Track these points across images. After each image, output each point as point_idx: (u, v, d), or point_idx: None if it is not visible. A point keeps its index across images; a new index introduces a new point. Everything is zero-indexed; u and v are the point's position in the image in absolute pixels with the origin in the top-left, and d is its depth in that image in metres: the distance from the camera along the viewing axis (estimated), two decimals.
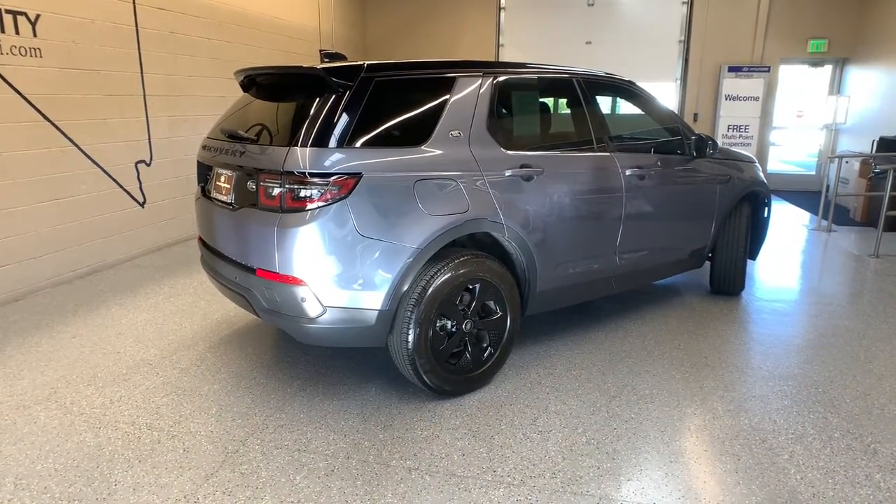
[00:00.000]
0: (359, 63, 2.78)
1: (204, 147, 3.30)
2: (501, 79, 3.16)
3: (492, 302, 3.07)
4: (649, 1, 9.54)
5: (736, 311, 4.36)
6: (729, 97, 9.12)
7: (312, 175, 2.56)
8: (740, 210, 4.34)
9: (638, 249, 3.75)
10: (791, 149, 11.11)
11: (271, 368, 3.38)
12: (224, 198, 3.01)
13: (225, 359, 3.50)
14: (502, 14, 10.06)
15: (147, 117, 5.61)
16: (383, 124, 2.76)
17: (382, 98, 2.76)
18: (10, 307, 4.31)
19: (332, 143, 2.60)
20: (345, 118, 2.64)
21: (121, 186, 5.36)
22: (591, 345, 3.71)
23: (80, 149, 4.91)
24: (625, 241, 3.63)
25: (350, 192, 2.58)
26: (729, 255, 4.38)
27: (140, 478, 2.41)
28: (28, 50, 4.43)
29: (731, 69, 9.08)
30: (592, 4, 9.63)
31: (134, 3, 5.35)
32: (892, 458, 2.57)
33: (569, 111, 3.59)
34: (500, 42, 10.15)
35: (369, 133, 2.69)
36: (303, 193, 2.58)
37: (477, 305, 3.00)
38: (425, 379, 2.88)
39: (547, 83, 3.57)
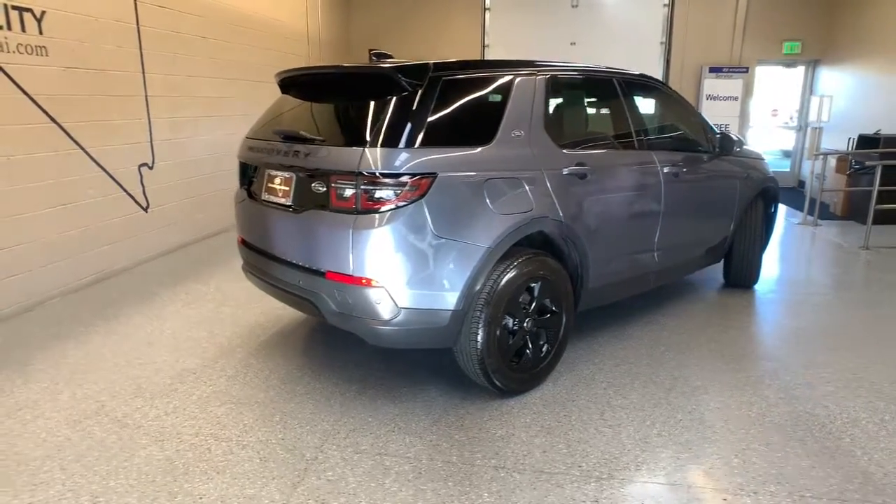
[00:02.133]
0: (425, 62, 2.76)
1: (250, 148, 3.22)
2: (553, 78, 3.20)
3: (548, 300, 3.10)
4: (631, 2, 9.77)
5: (755, 304, 4.52)
6: (710, 97, 9.43)
7: (389, 175, 2.53)
8: (756, 205, 4.51)
9: (673, 245, 3.85)
10: (765, 147, 11.55)
11: (321, 373, 3.32)
12: (281, 200, 2.95)
13: (270, 365, 3.42)
14: (487, 15, 10.12)
15: (149, 119, 5.42)
16: (451, 124, 2.76)
17: (449, 98, 2.76)
18: (23, 319, 4.10)
19: (406, 143, 2.58)
20: (416, 118, 2.63)
21: (125, 191, 5.17)
22: (631, 340, 3.78)
23: (85, 152, 4.71)
24: (662, 237, 3.72)
25: (426, 193, 2.57)
26: (746, 249, 4.54)
27: (223, 490, 2.34)
28: (34, 48, 4.23)
29: (711, 70, 9.39)
30: (576, 6, 9.80)
31: (135, 0, 5.17)
32: None
33: (610, 110, 3.66)
34: (486, 42, 10.21)
35: (439, 133, 2.69)
36: (379, 194, 2.55)
37: (537, 304, 3.03)
38: (493, 378, 2.88)
39: (591, 83, 3.63)
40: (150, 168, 5.47)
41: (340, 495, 2.32)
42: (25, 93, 4.17)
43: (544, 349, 3.13)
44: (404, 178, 2.54)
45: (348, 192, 2.59)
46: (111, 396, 3.06)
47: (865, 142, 7.34)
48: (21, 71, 4.13)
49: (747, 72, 9.34)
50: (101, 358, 3.50)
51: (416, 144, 2.60)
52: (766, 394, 3.11)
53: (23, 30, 4.14)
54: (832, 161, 7.92)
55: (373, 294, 2.61)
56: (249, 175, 3.28)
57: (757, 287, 4.84)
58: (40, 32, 4.27)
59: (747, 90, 9.49)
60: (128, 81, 5.15)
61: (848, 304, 4.57)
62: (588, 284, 3.31)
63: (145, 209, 5.43)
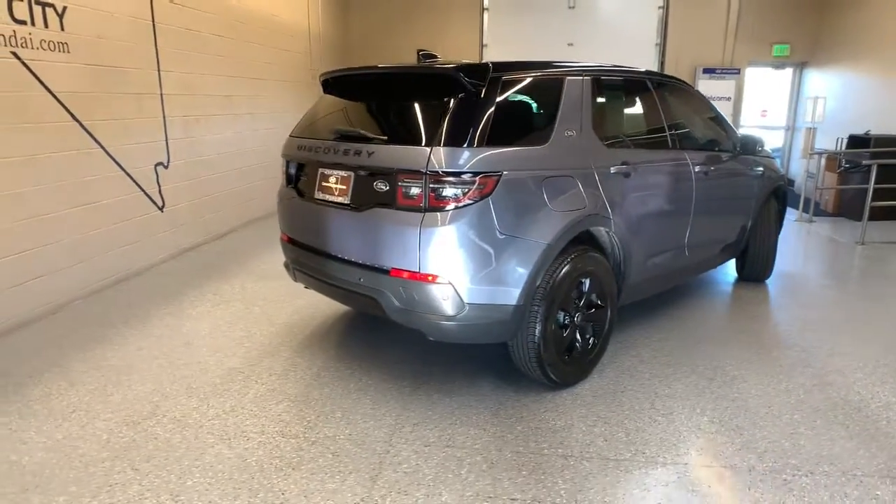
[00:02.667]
0: (486, 63, 2.82)
1: (299, 147, 3.24)
2: (597, 79, 3.29)
3: (595, 294, 3.19)
4: (627, 4, 9.95)
5: (770, 297, 4.69)
6: None
7: (457, 174, 2.59)
8: (770, 203, 4.67)
9: (701, 241, 3.98)
10: None
11: (370, 370, 3.35)
12: (337, 199, 2.98)
13: (317, 363, 3.44)
14: (485, 15, 10.20)
15: (164, 117, 5.37)
16: (512, 124, 2.83)
17: (508, 98, 2.82)
18: (51, 321, 4.04)
19: (472, 142, 2.64)
20: (480, 118, 2.69)
21: (142, 190, 5.11)
22: (663, 332, 3.90)
23: (105, 151, 4.65)
24: (692, 233, 3.85)
25: (492, 191, 2.64)
26: (762, 244, 4.70)
27: (303, 485, 2.38)
28: (56, 45, 4.16)
29: (705, 71, 9.63)
30: (573, 7, 9.94)
31: None
32: None
33: (645, 110, 3.76)
34: (484, 42, 10.29)
35: (501, 132, 2.75)
36: (447, 192, 2.60)
37: (586, 298, 3.12)
38: (548, 371, 2.96)
39: (628, 83, 3.73)
40: (166, 167, 5.41)
41: (420, 486, 2.37)
42: (49, 90, 4.11)
43: (591, 342, 3.22)
44: (472, 177, 2.60)
45: (415, 191, 2.64)
46: (163, 397, 3.06)
47: (856, 142, 7.62)
48: (45, 68, 4.06)
49: (739, 73, 9.60)
50: (142, 359, 3.48)
51: (482, 144, 2.66)
52: (801, 381, 3.25)
53: (45, 25, 4.07)
54: (822, 160, 8.20)
55: (440, 290, 2.67)
56: (297, 174, 3.30)
57: (768, 281, 5.02)
58: (62, 28, 4.21)
59: (739, 91, 9.76)
60: (144, 79, 5.09)
61: (855, 297, 4.78)
62: (629, 279, 3.41)
63: (161, 209, 5.38)
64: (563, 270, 2.91)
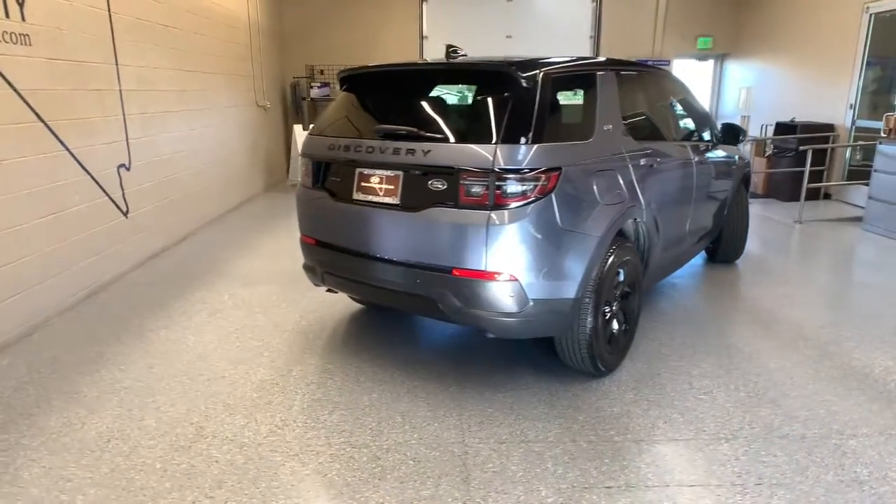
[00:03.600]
0: (534, 59, 2.84)
1: (330, 147, 3.10)
2: (620, 73, 3.39)
3: (627, 283, 3.31)
4: None
5: (746, 276, 5.06)
6: None
7: (523, 171, 2.60)
8: (742, 187, 5.03)
9: (697, 228, 4.23)
10: None
11: (409, 372, 3.30)
12: (383, 199, 2.90)
13: (351, 368, 3.34)
14: (424, 6, 10.14)
15: (124, 115, 4.94)
16: (561, 119, 2.87)
17: (556, 93, 2.86)
18: (30, 343, 3.64)
19: (533, 139, 2.65)
20: (539, 114, 2.71)
21: (107, 195, 4.69)
22: (667, 316, 4.11)
23: (70, 153, 4.22)
24: (693, 220, 4.08)
25: (555, 187, 2.67)
26: (735, 228, 5.06)
27: (399, 494, 2.32)
28: (18, 37, 3.72)
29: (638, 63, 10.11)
30: (511, 0, 10.10)
31: None
32: None
33: (655, 103, 3.92)
34: (424, 34, 10.24)
35: (554, 128, 2.79)
36: (513, 189, 2.61)
37: (622, 287, 3.24)
38: (597, 361, 3.06)
39: (642, 77, 3.85)
40: (128, 169, 5.00)
41: (515, 484, 2.38)
42: (13, 87, 3.67)
43: (625, 329, 3.35)
44: (537, 173, 2.62)
45: (479, 189, 2.62)
46: (204, 417, 2.86)
47: (783, 128, 8.32)
48: (7, 63, 3.63)
49: (668, 64, 10.18)
50: (159, 378, 3.23)
51: (540, 140, 2.68)
52: (807, 353, 3.55)
53: (6, 15, 3.63)
54: (752, 146, 8.89)
55: (506, 288, 2.67)
56: (323, 174, 3.17)
57: (738, 261, 5.41)
58: (23, 19, 3.77)
59: None
60: (104, 74, 4.66)
61: (818, 272, 5.26)
62: (650, 267, 3.58)
63: (126, 214, 4.96)
64: (609, 262, 3.00)
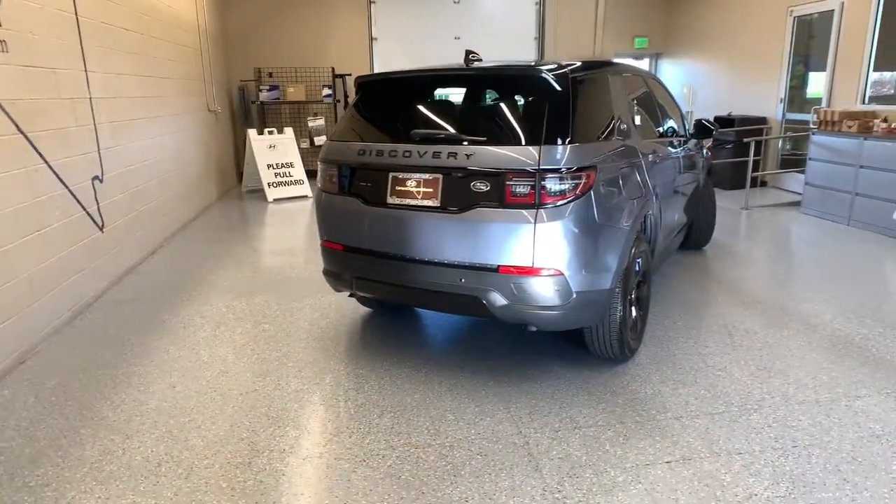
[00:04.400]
0: (562, 63, 2.97)
1: (360, 152, 3.11)
2: (622, 74, 3.59)
3: (642, 273, 3.52)
4: (507, 0, 10.49)
5: (716, 260, 5.44)
6: None
7: (567, 170, 2.72)
8: (708, 178, 5.41)
9: (682, 218, 4.52)
10: None
11: (443, 371, 3.35)
12: (422, 202, 2.94)
13: (384, 371, 3.35)
14: (373, 7, 10.10)
15: (95, 124, 4.67)
16: (589, 119, 3.01)
17: (583, 95, 3.00)
18: (28, 371, 3.40)
19: (572, 139, 2.78)
20: (573, 115, 2.84)
21: (84, 209, 4.42)
22: (661, 303, 4.36)
23: (49, 166, 3.96)
24: (680, 211, 4.36)
25: (593, 184, 2.81)
26: (706, 216, 5.43)
27: (478, 487, 2.38)
28: None
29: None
30: (458, 2, 10.25)
31: None
32: None
33: (648, 101, 4.14)
34: (373, 35, 10.20)
35: (585, 128, 2.92)
36: (557, 188, 2.73)
37: (639, 276, 3.44)
38: (624, 348, 3.23)
39: (634, 77, 4.06)
40: (101, 181, 4.73)
41: (584, 468, 2.50)
42: None
43: (641, 316, 3.55)
44: (578, 172, 2.75)
45: (524, 189, 2.72)
46: (251, 432, 2.80)
47: (721, 122, 8.94)
48: None
49: None
50: (186, 396, 3.12)
51: (575, 140, 2.81)
52: (796, 327, 3.90)
53: None
54: None
55: (553, 283, 2.79)
56: (349, 179, 3.16)
57: (706, 247, 5.81)
58: None
59: None
60: (75, 81, 4.39)
61: (778, 253, 5.74)
62: (654, 257, 3.80)
63: (101, 229, 4.69)
64: (632, 252, 3.19)
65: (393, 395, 3.11)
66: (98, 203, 4.64)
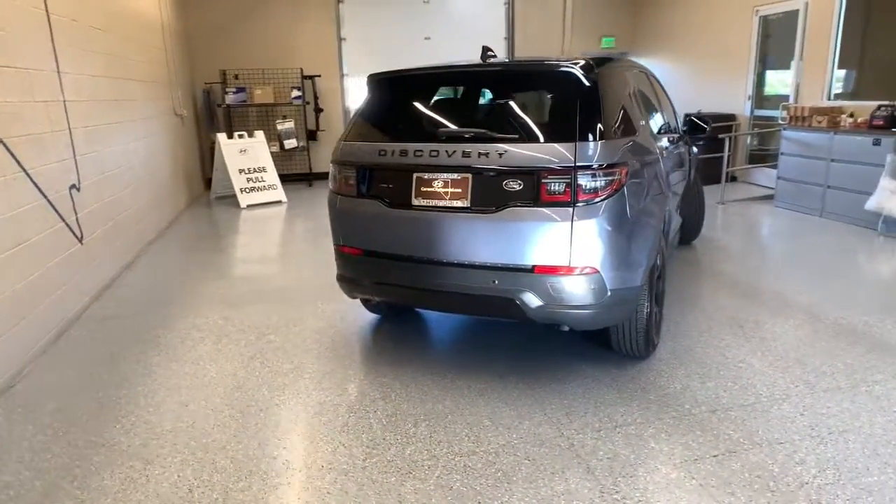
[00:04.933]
0: (588, 59, 2.94)
1: (381, 153, 2.99)
2: (635, 71, 3.59)
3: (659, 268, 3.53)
4: (476, 0, 10.48)
5: (706, 254, 5.54)
6: None
7: (602, 167, 2.69)
8: (698, 175, 5.51)
9: (681, 213, 4.58)
10: None
11: (469, 376, 3.26)
12: (451, 203, 2.86)
13: (408, 378, 3.24)
14: (341, 7, 9.91)
15: (70, 129, 4.38)
16: (616, 116, 2.98)
17: (609, 91, 2.97)
18: (18, 395, 3.15)
19: (604, 135, 2.75)
20: (604, 112, 2.81)
21: (63, 220, 4.13)
22: (668, 299, 4.36)
23: (27, 175, 3.68)
24: (680, 207, 4.41)
25: (626, 180, 2.79)
26: (697, 211, 5.52)
27: (536, 492, 2.32)
28: None
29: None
30: (428, 2, 10.17)
31: None
32: None
33: (653, 98, 4.16)
34: (342, 36, 10.01)
35: (613, 124, 2.90)
36: (593, 185, 2.69)
37: (657, 271, 3.44)
38: (650, 344, 3.23)
39: (643, 74, 4.07)
40: (78, 190, 4.44)
41: (635, 466, 2.47)
42: None
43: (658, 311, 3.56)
44: (612, 168, 2.73)
45: (562, 187, 2.68)
46: (282, 449, 2.65)
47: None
48: None
49: None
50: (202, 416, 2.94)
51: (610, 137, 2.79)
52: (800, 317, 3.97)
53: None
54: None
55: (590, 281, 2.75)
56: (368, 182, 3.05)
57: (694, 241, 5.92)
58: None
59: None
60: (48, 83, 4.10)
61: (759, 244, 5.91)
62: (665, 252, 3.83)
63: (80, 240, 4.40)
64: (656, 250, 3.19)
65: (422, 402, 3.01)
66: (77, 213, 4.35)
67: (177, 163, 7.87)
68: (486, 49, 3.20)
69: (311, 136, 10.00)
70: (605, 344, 3.42)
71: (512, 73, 3.16)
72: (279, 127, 9.48)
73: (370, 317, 4.13)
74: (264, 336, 3.87)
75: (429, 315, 4.14)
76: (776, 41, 8.17)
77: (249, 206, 8.15)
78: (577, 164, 2.65)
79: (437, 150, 2.85)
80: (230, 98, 9.29)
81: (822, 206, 6.77)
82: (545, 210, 2.70)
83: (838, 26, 7.15)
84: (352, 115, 3.30)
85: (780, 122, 7.75)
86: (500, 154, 2.75)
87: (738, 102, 8.67)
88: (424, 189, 2.92)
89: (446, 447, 2.63)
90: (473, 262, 2.87)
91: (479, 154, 2.77)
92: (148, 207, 6.31)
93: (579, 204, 2.68)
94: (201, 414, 2.95)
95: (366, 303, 3.94)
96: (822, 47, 7.33)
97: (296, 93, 9.54)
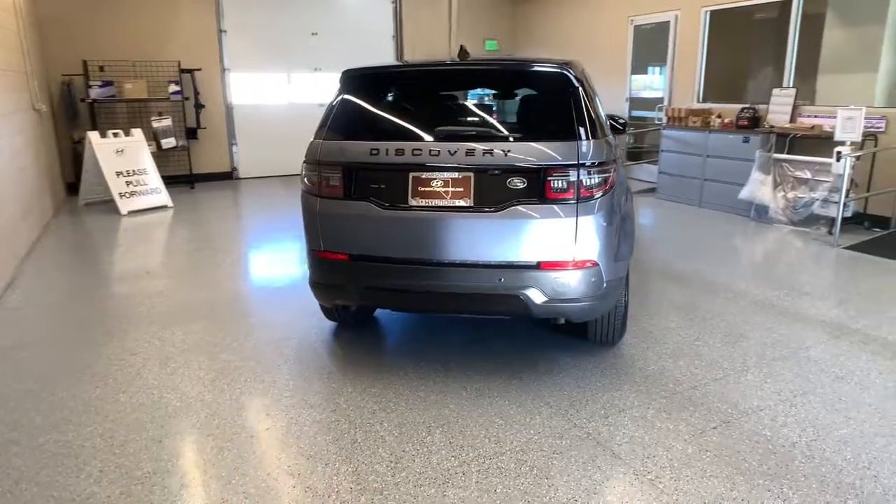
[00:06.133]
0: (570, 60, 3.01)
1: (372, 152, 2.83)
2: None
3: None
4: None
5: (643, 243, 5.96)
6: None
7: (601, 164, 2.79)
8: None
9: None
10: None
11: (459, 377, 3.21)
12: (452, 202, 2.79)
13: (399, 385, 3.12)
14: None
15: None
16: (598, 116, 3.09)
17: (588, 92, 3.08)
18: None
19: (598, 134, 2.85)
20: (590, 111, 2.91)
21: None
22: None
23: None
24: None
25: (615, 178, 2.92)
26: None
27: (576, 486, 2.35)
28: None
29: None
30: None
31: None
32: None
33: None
34: (222, 27, 9.29)
35: (599, 124, 3.01)
36: (593, 181, 2.78)
37: None
38: (624, 331, 3.42)
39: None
40: None
41: (656, 446, 2.59)
42: None
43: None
44: (608, 166, 2.84)
45: (564, 184, 2.73)
46: (300, 478, 2.43)
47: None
48: None
49: None
50: (188, 452, 2.60)
51: (600, 136, 2.89)
52: (725, 295, 4.43)
53: None
54: None
55: (591, 274, 2.84)
56: (361, 182, 2.89)
57: None
58: None
59: None
60: None
61: (656, 233, 6.46)
62: None
63: None
64: None
65: (425, 409, 2.92)
66: None
67: (40, 164, 6.82)
68: (463, 48, 3.17)
69: (192, 134, 9.18)
70: (572, 333, 3.58)
71: (507, 71, 3.16)
72: (155, 125, 8.58)
73: (326, 324, 3.91)
74: (216, 356, 3.51)
75: (384, 319, 4.00)
76: (650, 48, 8.99)
77: (131, 213, 7.29)
78: (581, 161, 2.73)
79: (438, 150, 2.77)
80: (96, 92, 8.23)
81: (699, 197, 7.60)
82: (551, 207, 2.75)
83: (704, 38, 8.05)
84: (326, 112, 3.08)
85: (656, 122, 8.56)
86: (506, 152, 2.74)
87: (618, 105, 9.41)
88: (422, 189, 2.82)
89: (471, 451, 2.58)
90: (477, 261, 2.83)
91: (484, 152, 2.74)
92: (17, 218, 5.40)
93: (583, 200, 2.76)
94: (183, 449, 2.61)
95: (325, 310, 3.73)
96: (692, 56, 8.21)
97: (174, 87, 8.69)
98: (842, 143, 5.75)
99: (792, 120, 6.98)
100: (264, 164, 10.03)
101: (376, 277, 2.97)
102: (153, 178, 7.73)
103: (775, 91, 7.17)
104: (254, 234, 6.66)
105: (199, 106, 9.15)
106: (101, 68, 8.38)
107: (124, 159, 7.50)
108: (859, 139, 5.75)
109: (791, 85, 7.16)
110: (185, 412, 2.89)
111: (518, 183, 2.76)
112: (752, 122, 7.21)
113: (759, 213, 6.79)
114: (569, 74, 2.91)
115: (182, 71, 8.78)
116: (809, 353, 3.49)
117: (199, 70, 8.99)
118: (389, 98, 3.10)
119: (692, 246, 5.92)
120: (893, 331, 3.78)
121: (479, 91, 3.18)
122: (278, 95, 10.01)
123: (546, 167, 2.74)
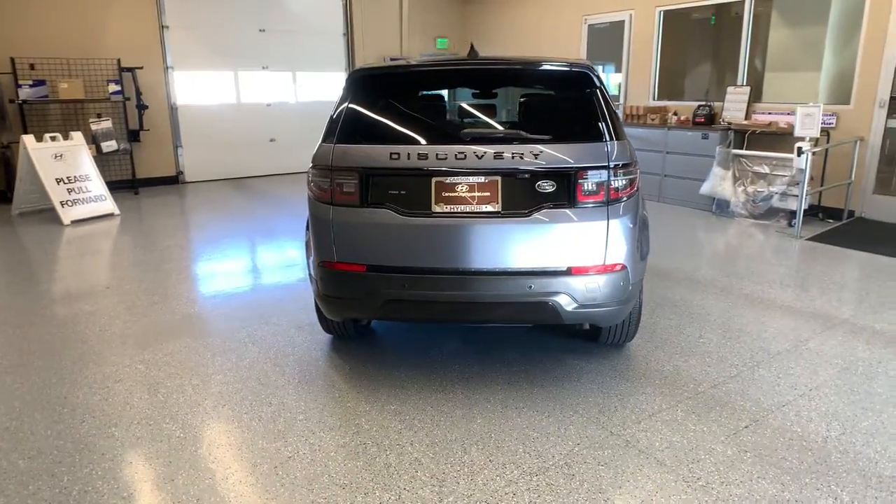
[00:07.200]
0: (587, 61, 2.94)
1: (392, 156, 2.66)
2: None
3: None
4: None
5: None
6: None
7: (629, 165, 2.74)
8: None
9: None
10: None
11: (479, 389, 3.10)
12: (479, 207, 2.66)
13: (418, 401, 2.97)
14: None
15: None
16: (618, 117, 3.03)
17: (606, 93, 3.02)
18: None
19: (617, 136, 2.79)
20: (612, 113, 2.85)
21: None
22: None
23: None
24: None
25: (639, 178, 2.87)
26: None
27: (631, 495, 2.29)
28: None
29: (392, 59, 10.52)
30: None
31: None
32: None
33: None
34: (164, 24, 8.73)
35: (620, 125, 2.94)
36: (622, 183, 2.72)
37: None
38: (636, 329, 3.40)
39: None
40: None
41: (696, 451, 2.56)
42: None
43: None
44: (633, 168, 2.79)
45: (594, 187, 2.66)
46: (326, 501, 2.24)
47: None
48: None
49: None
50: (210, 490, 2.35)
51: (621, 137, 2.83)
52: (713, 292, 4.51)
53: None
54: None
55: (620, 278, 2.78)
56: (379, 188, 2.71)
57: None
58: None
59: None
60: None
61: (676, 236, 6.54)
62: None
63: None
64: None
65: (453, 425, 2.78)
66: None
67: None
68: (472, 46, 3.04)
69: (134, 136, 8.59)
70: (578, 335, 3.55)
71: (529, 71, 3.04)
72: (94, 127, 7.96)
73: (322, 337, 3.70)
74: (210, 377, 3.24)
75: (380, 329, 3.82)
76: (605, 47, 9.13)
77: (75, 223, 6.72)
78: (611, 163, 2.67)
79: (465, 153, 2.63)
80: (26, 92, 7.53)
81: (659, 192, 7.78)
82: (582, 210, 2.67)
83: (658, 36, 8.25)
84: (334, 115, 2.88)
85: None
86: (536, 155, 2.64)
87: None
88: (446, 194, 2.67)
89: (514, 469, 2.47)
90: (506, 268, 2.72)
91: (514, 155, 2.63)
92: None
93: (613, 202, 2.70)
94: (201, 487, 2.36)
95: (323, 322, 3.52)
96: (646, 55, 8.40)
97: (114, 87, 8.09)
98: (801, 139, 6.01)
99: (747, 117, 7.25)
100: (212, 166, 9.54)
101: (398, 289, 2.80)
102: (97, 185, 7.17)
103: (730, 89, 7.44)
104: (214, 242, 6.27)
105: (141, 106, 8.56)
106: (32, 66, 7.69)
107: (64, 165, 6.91)
108: (818, 135, 6.03)
109: (745, 83, 7.44)
110: (192, 444, 2.63)
111: (547, 186, 2.67)
112: (709, 119, 7.45)
113: (721, 207, 7.02)
114: (591, 74, 2.84)
115: (122, 69, 8.18)
116: (809, 346, 3.59)
117: (140, 68, 8.40)
118: (405, 99, 2.94)
119: (665, 241, 6.02)
120: (878, 319, 3.95)
121: (498, 91, 3.07)
122: (225, 95, 9.54)
123: (578, 170, 2.65)
